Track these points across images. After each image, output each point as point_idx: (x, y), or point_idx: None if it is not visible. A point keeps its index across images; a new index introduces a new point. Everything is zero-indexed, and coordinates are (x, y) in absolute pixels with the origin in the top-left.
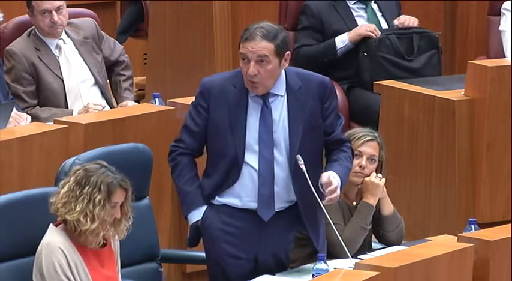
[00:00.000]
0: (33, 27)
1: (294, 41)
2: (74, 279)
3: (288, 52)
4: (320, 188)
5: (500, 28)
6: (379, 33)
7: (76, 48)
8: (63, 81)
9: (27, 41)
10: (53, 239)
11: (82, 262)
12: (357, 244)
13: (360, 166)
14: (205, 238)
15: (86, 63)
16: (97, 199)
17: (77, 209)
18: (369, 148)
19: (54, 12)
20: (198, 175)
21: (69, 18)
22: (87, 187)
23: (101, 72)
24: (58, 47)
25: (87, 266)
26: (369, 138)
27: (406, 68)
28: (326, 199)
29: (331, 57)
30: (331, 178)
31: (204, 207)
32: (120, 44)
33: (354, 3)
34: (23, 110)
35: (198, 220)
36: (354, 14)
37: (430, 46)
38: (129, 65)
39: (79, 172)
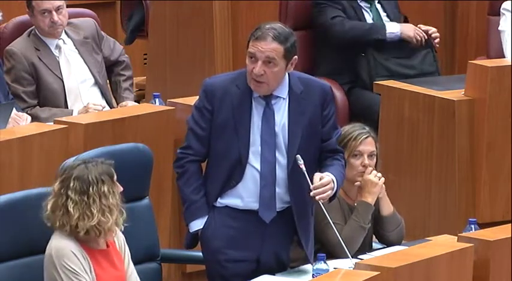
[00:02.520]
0: (33, 27)
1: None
2: None
3: (296, 57)
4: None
5: (499, 28)
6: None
7: (76, 48)
8: (63, 81)
9: (27, 41)
10: (62, 244)
11: (91, 264)
12: (357, 244)
13: (364, 165)
14: (206, 247)
15: (86, 64)
16: (106, 191)
17: (95, 211)
18: (368, 146)
19: (54, 12)
20: (204, 183)
21: (69, 18)
22: (91, 188)
23: (101, 72)
24: (58, 47)
25: (97, 267)
26: (365, 135)
27: (405, 65)
28: (313, 192)
29: (380, 36)
30: (322, 175)
31: (206, 217)
32: (131, 42)
33: (361, 1)
34: (23, 110)
35: (199, 229)
36: (363, 11)
37: (423, 46)
38: (129, 65)
39: (73, 184)
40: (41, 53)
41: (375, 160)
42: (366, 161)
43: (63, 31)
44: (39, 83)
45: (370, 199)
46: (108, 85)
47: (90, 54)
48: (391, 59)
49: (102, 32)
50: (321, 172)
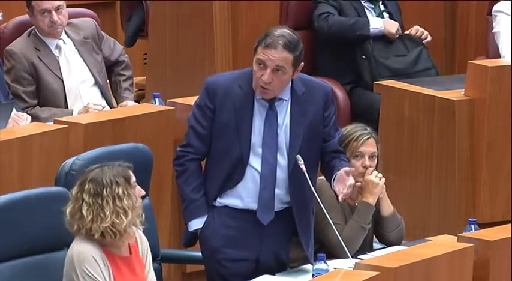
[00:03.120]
0: (33, 27)
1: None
2: None
3: (302, 64)
4: (332, 185)
5: (494, 30)
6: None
7: (76, 48)
8: (63, 81)
9: (27, 41)
10: (84, 248)
11: (110, 271)
12: (357, 244)
13: (364, 166)
14: (205, 246)
15: (86, 64)
16: (120, 193)
17: (107, 213)
18: (369, 147)
19: (53, 12)
20: (203, 182)
21: (69, 18)
22: (104, 190)
23: (101, 72)
24: (58, 47)
25: (117, 274)
26: (366, 136)
27: (404, 62)
28: (340, 196)
29: (363, 33)
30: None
31: (206, 216)
32: (131, 45)
33: (364, 2)
34: (23, 110)
35: (198, 228)
36: (365, 11)
37: (416, 44)
38: (129, 65)
39: (88, 187)
40: (41, 53)
41: (375, 161)
42: (367, 162)
43: (63, 31)
44: (39, 83)
45: (371, 199)
46: (108, 85)
47: (90, 54)
48: (391, 57)
49: (102, 32)
50: (330, 173)
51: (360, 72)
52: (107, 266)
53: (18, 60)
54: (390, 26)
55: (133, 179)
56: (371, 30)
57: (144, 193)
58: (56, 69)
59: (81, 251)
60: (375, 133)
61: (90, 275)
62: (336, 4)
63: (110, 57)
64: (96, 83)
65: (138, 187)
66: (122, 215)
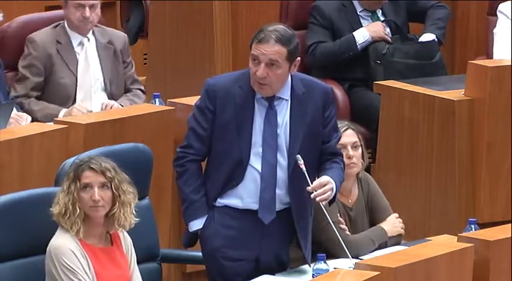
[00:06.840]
0: (62, 21)
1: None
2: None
3: (299, 58)
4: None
5: (494, 30)
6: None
7: (97, 50)
8: (76, 78)
9: (51, 33)
10: (60, 241)
11: (89, 262)
12: (363, 252)
13: (349, 157)
14: (205, 246)
15: (101, 67)
16: (65, 186)
17: (55, 200)
18: (349, 137)
19: (87, 8)
20: (204, 183)
21: None
22: (64, 179)
23: (114, 81)
24: (81, 44)
25: (97, 265)
26: (344, 128)
27: (419, 70)
28: (314, 194)
29: (352, 52)
30: (320, 179)
31: (206, 217)
32: (132, 44)
33: (361, 11)
34: (17, 97)
35: (199, 229)
36: (361, 20)
37: (435, 50)
38: (141, 95)
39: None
40: (62, 46)
41: (360, 150)
42: (351, 153)
43: (91, 31)
44: (50, 76)
45: (387, 229)
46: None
47: (109, 59)
48: (407, 63)
49: (130, 56)
50: (320, 175)
51: (374, 77)
52: (85, 257)
53: (36, 49)
54: (376, 29)
55: (85, 181)
56: (359, 46)
57: (95, 197)
58: (73, 65)
59: (58, 245)
60: (354, 125)
61: (69, 267)
62: (326, 22)
63: (126, 81)
64: (105, 90)
65: (94, 191)
66: (56, 206)
